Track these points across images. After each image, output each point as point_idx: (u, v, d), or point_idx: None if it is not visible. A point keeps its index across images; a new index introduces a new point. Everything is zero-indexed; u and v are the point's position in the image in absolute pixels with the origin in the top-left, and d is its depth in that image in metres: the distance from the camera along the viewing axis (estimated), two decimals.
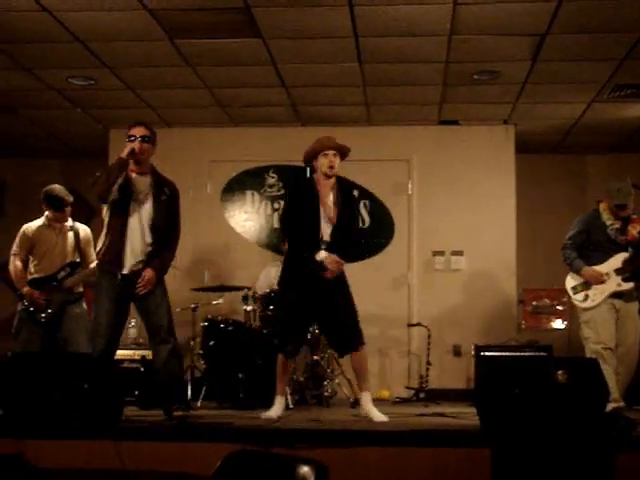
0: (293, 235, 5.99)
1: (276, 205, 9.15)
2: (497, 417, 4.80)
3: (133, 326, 7.70)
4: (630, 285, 6.28)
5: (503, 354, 7.79)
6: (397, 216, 9.08)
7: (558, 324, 9.46)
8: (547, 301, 9.34)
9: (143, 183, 5.70)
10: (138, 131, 5.65)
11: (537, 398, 4.79)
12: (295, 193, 6.18)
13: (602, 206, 6.43)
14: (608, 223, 6.35)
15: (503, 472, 4.49)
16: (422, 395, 8.07)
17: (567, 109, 8.46)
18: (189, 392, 7.12)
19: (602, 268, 6.33)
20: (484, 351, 7.81)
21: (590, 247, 6.42)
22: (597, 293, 6.31)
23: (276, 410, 5.82)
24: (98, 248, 5.74)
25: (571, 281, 6.48)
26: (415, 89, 7.94)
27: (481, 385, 5.63)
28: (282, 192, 9.14)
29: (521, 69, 7.32)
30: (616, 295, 6.29)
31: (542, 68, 7.25)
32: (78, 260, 6.63)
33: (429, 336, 8.32)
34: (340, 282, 5.88)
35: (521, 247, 8.99)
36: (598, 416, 4.81)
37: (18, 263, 6.60)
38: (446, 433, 5.11)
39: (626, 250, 6.32)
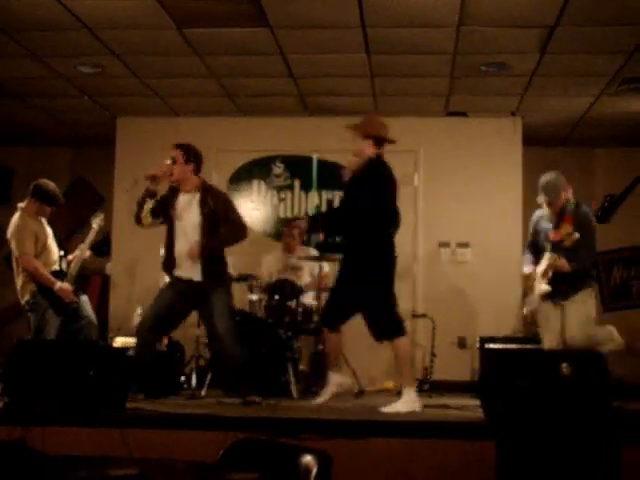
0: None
1: (282, 195, 9.15)
2: (501, 409, 4.81)
3: (139, 314, 7.69)
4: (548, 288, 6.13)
5: (508, 346, 7.79)
6: (403, 207, 8.96)
7: None
8: None
9: (184, 201, 6.16)
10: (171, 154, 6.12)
11: (541, 391, 4.79)
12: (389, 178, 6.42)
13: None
14: (545, 224, 6.26)
15: (507, 465, 4.50)
16: (426, 386, 8.06)
17: (575, 102, 8.43)
18: (194, 381, 7.14)
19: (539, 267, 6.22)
20: (489, 343, 7.80)
21: (542, 247, 6.28)
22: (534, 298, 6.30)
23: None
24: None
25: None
26: (423, 80, 7.93)
27: (485, 377, 5.63)
28: (288, 182, 9.14)
29: (529, 61, 7.30)
30: (547, 296, 6.18)
31: (550, 60, 7.22)
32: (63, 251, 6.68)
33: (434, 327, 8.33)
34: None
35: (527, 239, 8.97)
36: (603, 409, 4.81)
37: (38, 261, 6.43)
38: (450, 425, 5.12)
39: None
